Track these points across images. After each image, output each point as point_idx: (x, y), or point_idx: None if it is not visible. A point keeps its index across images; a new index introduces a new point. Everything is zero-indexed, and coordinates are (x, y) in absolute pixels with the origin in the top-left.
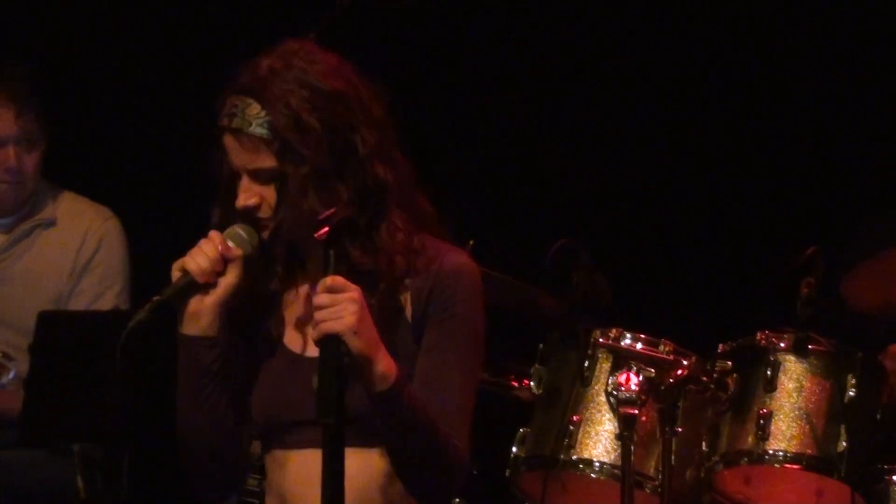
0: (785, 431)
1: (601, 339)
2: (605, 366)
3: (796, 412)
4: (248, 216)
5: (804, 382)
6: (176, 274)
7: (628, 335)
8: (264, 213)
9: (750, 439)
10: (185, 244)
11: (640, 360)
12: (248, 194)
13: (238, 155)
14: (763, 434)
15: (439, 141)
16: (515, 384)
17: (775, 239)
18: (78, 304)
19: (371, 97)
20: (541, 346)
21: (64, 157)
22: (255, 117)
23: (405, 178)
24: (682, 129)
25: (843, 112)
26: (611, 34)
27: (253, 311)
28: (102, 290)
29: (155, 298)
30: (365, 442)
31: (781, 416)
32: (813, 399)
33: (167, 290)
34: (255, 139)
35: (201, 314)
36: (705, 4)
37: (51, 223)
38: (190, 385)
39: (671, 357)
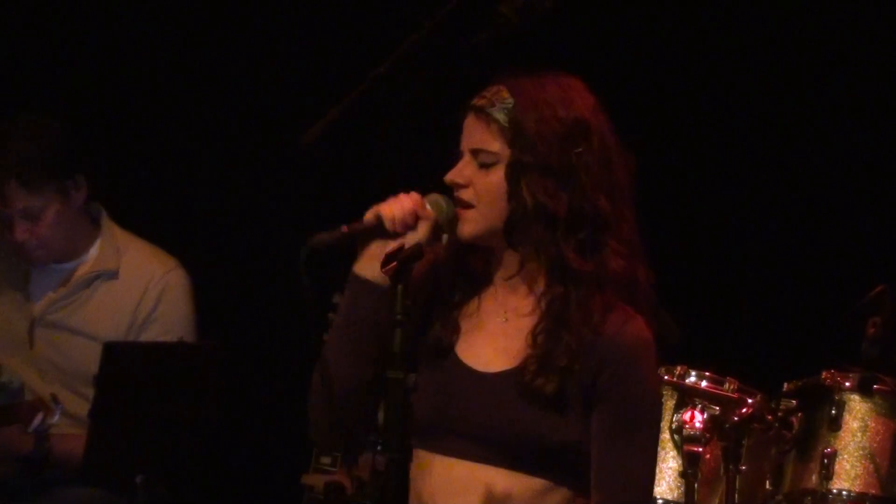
0: (849, 471)
1: (666, 377)
2: (669, 403)
3: (861, 452)
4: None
5: (869, 422)
6: (369, 216)
7: (693, 373)
8: (467, 195)
9: (814, 478)
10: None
11: (705, 397)
12: (459, 172)
13: (470, 133)
14: (827, 473)
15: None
16: None
17: (842, 277)
18: None
19: (616, 146)
20: None
21: (134, 201)
22: (501, 101)
23: (633, 239)
24: (748, 168)
25: None
26: (676, 71)
27: (431, 309)
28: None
29: (343, 228)
30: (520, 468)
31: (846, 456)
32: (878, 439)
33: (356, 224)
34: (491, 120)
35: (378, 258)
36: (772, 58)
37: (113, 275)
38: (344, 326)
39: (736, 395)
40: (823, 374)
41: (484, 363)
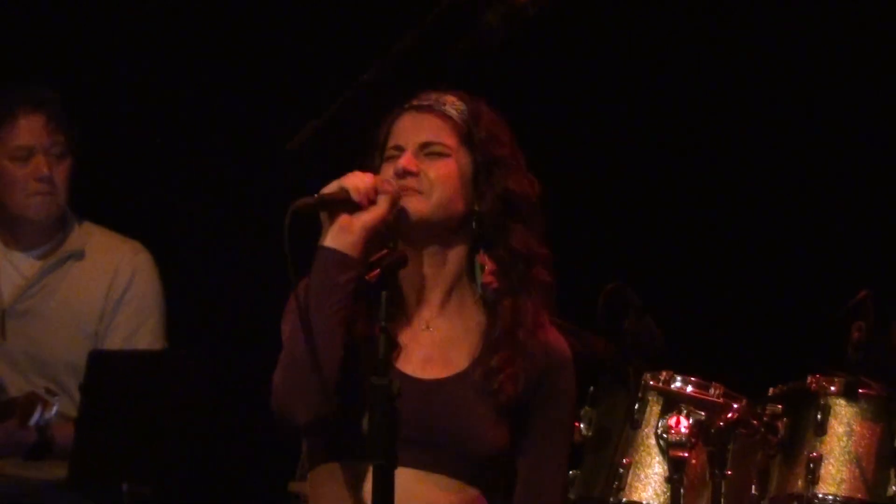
0: (835, 475)
1: (651, 382)
2: (655, 408)
3: (846, 456)
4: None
5: (854, 426)
6: (334, 189)
7: (679, 378)
8: (417, 184)
9: (800, 483)
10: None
11: (691, 402)
12: (409, 161)
13: (416, 129)
14: (813, 478)
15: None
16: None
17: (826, 283)
18: (113, 339)
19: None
20: (591, 388)
21: (92, 190)
22: (451, 103)
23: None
24: (732, 174)
25: None
26: (665, 79)
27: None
28: (137, 326)
29: (315, 195)
30: (461, 476)
31: (831, 460)
32: (863, 443)
33: (326, 194)
34: (445, 116)
35: (349, 230)
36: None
37: (81, 255)
38: (323, 299)
39: (721, 400)
40: (809, 379)
41: (427, 372)
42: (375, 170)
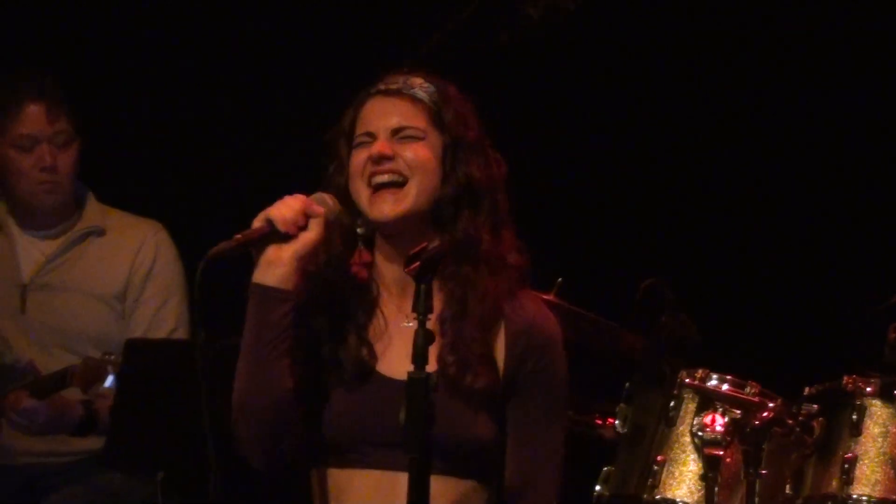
0: (870, 476)
1: (687, 380)
2: (690, 406)
3: (882, 457)
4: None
5: (890, 427)
6: (259, 222)
7: (714, 376)
8: (398, 166)
9: (834, 483)
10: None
11: (726, 401)
12: (386, 146)
13: (386, 113)
14: (848, 478)
15: (527, 179)
16: (600, 423)
17: (864, 282)
18: (143, 313)
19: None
20: (627, 385)
21: (101, 172)
22: (420, 86)
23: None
24: (770, 173)
25: None
26: (702, 79)
27: (336, 328)
28: (166, 298)
29: (237, 236)
30: (452, 471)
31: (866, 461)
32: None
33: (249, 232)
34: (415, 99)
35: (278, 263)
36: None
37: (101, 232)
38: (255, 339)
39: (757, 399)
40: (845, 379)
41: (406, 372)
42: (342, 159)
